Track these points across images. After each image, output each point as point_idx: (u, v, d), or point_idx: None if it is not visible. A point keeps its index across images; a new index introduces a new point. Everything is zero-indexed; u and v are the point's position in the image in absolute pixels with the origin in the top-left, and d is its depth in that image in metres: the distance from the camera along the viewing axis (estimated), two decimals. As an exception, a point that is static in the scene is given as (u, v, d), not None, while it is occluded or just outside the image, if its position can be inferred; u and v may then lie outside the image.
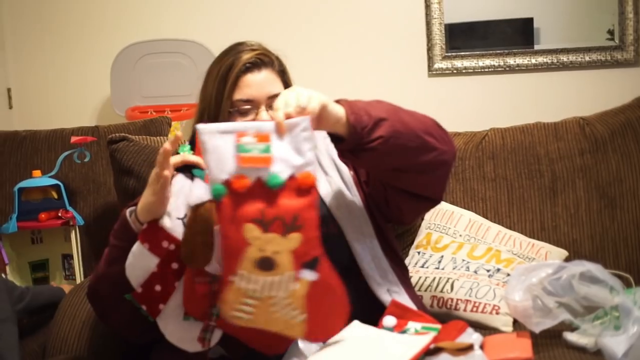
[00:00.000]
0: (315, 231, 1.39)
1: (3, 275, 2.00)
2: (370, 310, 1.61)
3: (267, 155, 1.39)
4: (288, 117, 1.39)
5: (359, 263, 1.65)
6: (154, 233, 1.48)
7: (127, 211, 1.56)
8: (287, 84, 1.74)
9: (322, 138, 1.79)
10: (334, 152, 1.76)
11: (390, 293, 1.65)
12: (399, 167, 1.58)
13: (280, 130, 1.38)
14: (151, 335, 1.55)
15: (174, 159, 1.47)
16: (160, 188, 1.44)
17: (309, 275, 1.40)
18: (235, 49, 1.71)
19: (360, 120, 1.49)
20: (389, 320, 1.55)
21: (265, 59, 1.70)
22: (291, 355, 1.50)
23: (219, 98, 1.67)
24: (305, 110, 1.41)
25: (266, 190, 1.40)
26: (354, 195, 1.71)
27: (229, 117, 1.66)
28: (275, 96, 1.66)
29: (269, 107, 1.67)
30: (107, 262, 1.58)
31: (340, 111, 1.49)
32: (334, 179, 1.72)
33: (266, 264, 1.40)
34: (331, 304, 1.43)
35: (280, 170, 1.39)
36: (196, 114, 1.74)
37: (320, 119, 1.45)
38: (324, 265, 1.41)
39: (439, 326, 1.54)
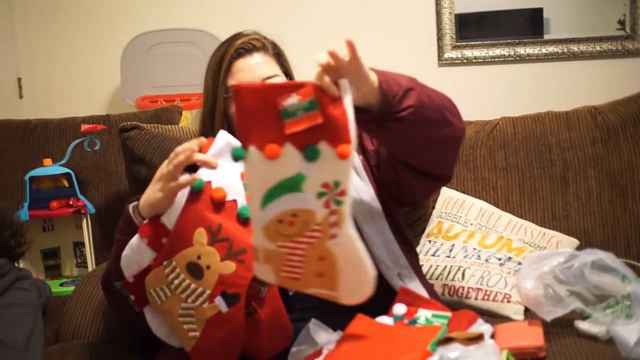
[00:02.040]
0: (250, 273, 1.40)
1: (16, 264, 2.00)
2: (381, 296, 1.61)
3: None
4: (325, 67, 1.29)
5: (369, 247, 1.64)
6: (155, 228, 1.49)
7: (130, 207, 1.57)
8: (284, 66, 1.75)
9: None
10: None
11: (402, 277, 1.64)
12: (419, 140, 1.54)
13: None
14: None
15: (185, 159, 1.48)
16: (174, 186, 1.46)
17: (221, 305, 1.43)
18: (229, 39, 1.73)
19: (391, 88, 1.43)
20: (399, 308, 1.55)
21: (257, 44, 1.70)
22: (302, 342, 1.51)
23: (215, 86, 1.69)
24: (338, 57, 1.32)
25: (235, 213, 1.46)
26: (363, 179, 1.71)
27: (224, 104, 1.68)
28: (269, 78, 1.68)
29: None
30: (114, 257, 1.59)
31: (372, 76, 1.41)
32: None
33: (195, 270, 1.44)
34: (224, 343, 1.45)
35: None
36: (202, 106, 1.77)
37: (356, 81, 1.34)
38: (240, 307, 1.43)
39: (449, 314, 1.54)
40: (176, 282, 1.45)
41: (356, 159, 1.74)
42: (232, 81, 1.67)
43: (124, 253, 1.52)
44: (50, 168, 2.43)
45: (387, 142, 1.61)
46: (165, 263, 1.46)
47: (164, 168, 1.49)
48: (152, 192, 1.50)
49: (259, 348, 1.49)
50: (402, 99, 1.44)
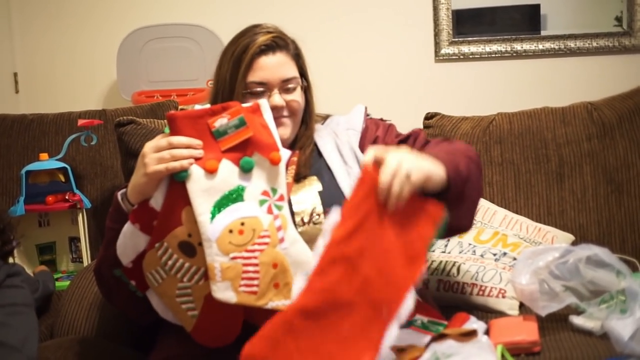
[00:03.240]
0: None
1: (11, 260, 2.00)
2: None
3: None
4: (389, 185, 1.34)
5: None
6: (145, 213, 1.49)
7: (119, 194, 1.56)
8: (301, 68, 1.74)
9: (345, 130, 1.79)
10: (355, 144, 1.76)
11: None
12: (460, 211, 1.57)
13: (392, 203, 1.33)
14: (152, 316, 1.57)
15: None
16: (162, 169, 1.44)
17: None
18: (251, 31, 1.70)
19: (456, 183, 1.47)
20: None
21: (280, 42, 1.69)
22: None
23: (233, 79, 1.66)
24: (410, 180, 1.35)
25: None
26: None
27: (242, 99, 1.65)
28: (288, 80, 1.68)
29: (282, 90, 1.67)
30: (105, 245, 1.59)
31: (441, 173, 1.43)
32: (353, 170, 1.71)
33: (187, 249, 1.45)
34: (224, 317, 1.45)
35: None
36: (210, 94, 1.74)
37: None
38: None
39: (444, 323, 1.54)
40: (170, 262, 1.45)
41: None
42: (252, 77, 1.65)
43: (119, 242, 1.52)
44: (46, 162, 2.42)
45: None
46: (157, 245, 1.46)
47: (149, 153, 1.46)
48: (137, 178, 1.49)
49: (264, 314, 1.48)
50: (462, 190, 1.50)
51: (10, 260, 2.01)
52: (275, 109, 1.64)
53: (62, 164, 2.43)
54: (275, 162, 1.45)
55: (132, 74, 3.16)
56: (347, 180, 1.70)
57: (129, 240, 1.51)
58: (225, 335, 1.47)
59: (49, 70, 3.42)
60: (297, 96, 1.71)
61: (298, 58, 1.74)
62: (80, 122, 2.43)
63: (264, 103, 1.49)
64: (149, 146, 1.47)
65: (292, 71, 1.70)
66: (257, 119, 1.47)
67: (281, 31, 1.73)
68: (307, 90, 1.76)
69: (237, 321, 1.46)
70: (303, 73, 1.75)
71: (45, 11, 3.39)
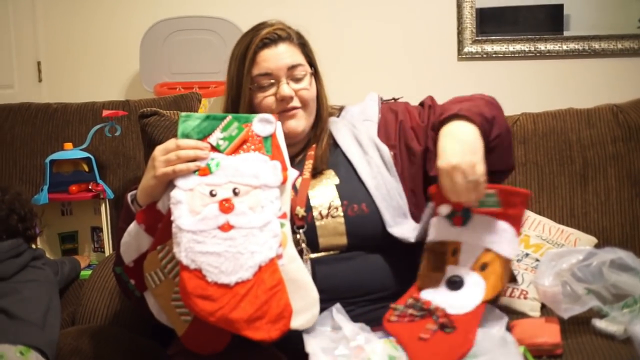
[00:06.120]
0: None
1: (33, 246, 2.03)
2: (404, 279, 1.62)
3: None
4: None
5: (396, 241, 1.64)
6: (151, 215, 1.50)
7: (128, 195, 1.58)
8: (308, 56, 1.74)
9: (362, 121, 1.79)
10: (373, 133, 1.76)
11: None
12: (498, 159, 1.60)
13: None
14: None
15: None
16: (169, 172, 1.44)
17: None
18: (254, 28, 1.72)
19: (485, 128, 1.53)
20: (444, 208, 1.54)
21: (282, 34, 1.69)
22: (323, 323, 1.49)
23: (240, 76, 1.68)
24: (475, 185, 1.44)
25: None
26: (393, 175, 1.71)
27: (250, 94, 1.67)
28: (294, 67, 1.68)
29: (290, 79, 1.67)
30: (118, 245, 1.60)
31: (475, 134, 1.50)
32: (373, 159, 1.71)
33: None
34: (215, 326, 1.43)
35: None
36: (224, 95, 1.76)
37: None
38: None
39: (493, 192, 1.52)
40: (169, 266, 1.46)
41: (387, 154, 1.73)
42: (257, 71, 1.66)
43: (123, 240, 1.54)
44: (70, 152, 2.43)
45: None
46: (159, 247, 1.47)
47: (158, 155, 1.47)
48: (146, 180, 1.50)
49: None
50: (490, 131, 1.56)
51: (33, 246, 2.04)
52: (284, 100, 1.66)
53: (86, 154, 2.43)
54: (282, 181, 1.46)
55: (155, 66, 3.17)
56: (367, 170, 1.70)
57: (133, 240, 1.52)
58: (213, 344, 1.47)
59: (72, 60, 3.44)
60: (307, 84, 1.70)
61: (304, 47, 1.74)
62: (105, 112, 2.44)
63: (278, 123, 1.49)
64: (158, 149, 1.48)
65: (297, 58, 1.70)
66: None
67: (283, 23, 1.73)
68: (316, 80, 1.75)
69: (228, 332, 1.44)
70: (311, 62, 1.74)
71: (69, 2, 3.40)
